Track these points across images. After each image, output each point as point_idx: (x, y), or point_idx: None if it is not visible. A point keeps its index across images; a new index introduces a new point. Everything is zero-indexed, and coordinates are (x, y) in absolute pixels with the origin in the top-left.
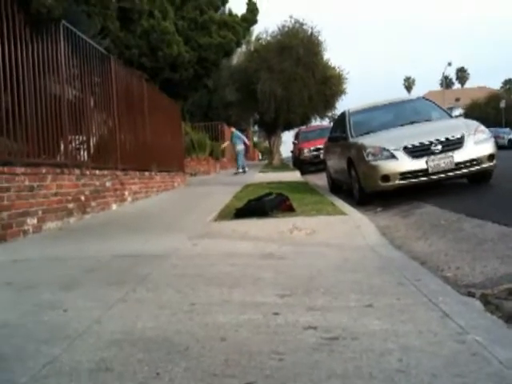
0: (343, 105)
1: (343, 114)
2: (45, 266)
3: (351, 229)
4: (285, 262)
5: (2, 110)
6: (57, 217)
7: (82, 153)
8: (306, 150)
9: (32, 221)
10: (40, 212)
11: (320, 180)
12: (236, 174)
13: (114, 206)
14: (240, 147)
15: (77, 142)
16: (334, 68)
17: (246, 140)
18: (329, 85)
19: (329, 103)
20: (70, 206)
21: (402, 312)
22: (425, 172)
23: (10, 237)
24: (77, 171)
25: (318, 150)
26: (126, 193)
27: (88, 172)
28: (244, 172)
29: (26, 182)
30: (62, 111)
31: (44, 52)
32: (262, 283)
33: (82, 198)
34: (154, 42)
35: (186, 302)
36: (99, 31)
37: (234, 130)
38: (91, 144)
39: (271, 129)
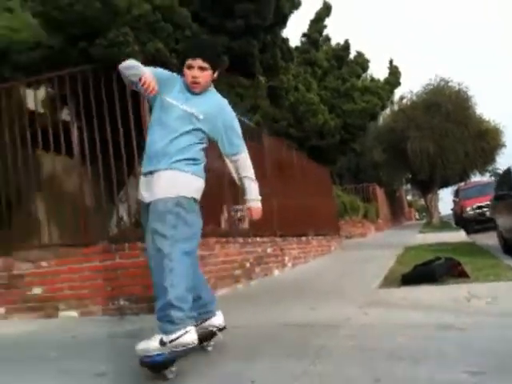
0: (505, 159)
1: (509, 170)
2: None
3: None
4: (467, 335)
5: None
6: (226, 284)
7: (243, 221)
8: (469, 208)
9: None
10: (212, 280)
11: (489, 239)
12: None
13: (276, 272)
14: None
15: (237, 212)
16: (488, 121)
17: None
18: (486, 139)
19: (488, 158)
20: (237, 272)
21: None
22: None
23: None
24: (240, 239)
25: (481, 207)
26: (286, 258)
27: (250, 239)
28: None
29: (199, 252)
30: (223, 184)
31: None
32: (446, 358)
33: (247, 264)
34: (300, 114)
35: (370, 377)
36: (249, 108)
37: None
38: None
39: (426, 187)
